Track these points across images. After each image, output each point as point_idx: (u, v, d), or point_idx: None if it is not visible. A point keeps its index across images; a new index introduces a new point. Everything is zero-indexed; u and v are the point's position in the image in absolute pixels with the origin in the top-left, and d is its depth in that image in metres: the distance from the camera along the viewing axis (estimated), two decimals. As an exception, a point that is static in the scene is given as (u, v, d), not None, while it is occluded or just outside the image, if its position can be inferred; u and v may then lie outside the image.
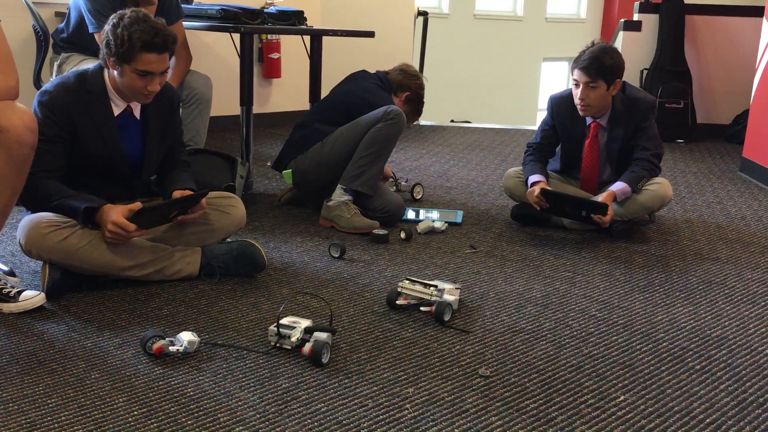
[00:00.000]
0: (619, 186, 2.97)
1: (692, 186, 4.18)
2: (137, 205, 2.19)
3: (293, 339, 1.89)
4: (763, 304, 2.42)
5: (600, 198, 2.94)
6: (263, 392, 1.71)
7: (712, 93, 5.96)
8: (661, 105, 5.67)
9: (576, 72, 3.00)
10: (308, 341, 1.89)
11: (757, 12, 4.98)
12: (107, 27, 2.22)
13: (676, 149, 5.38)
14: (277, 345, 1.92)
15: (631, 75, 5.89)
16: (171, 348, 1.84)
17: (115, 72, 2.24)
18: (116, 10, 2.29)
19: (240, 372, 1.80)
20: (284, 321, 1.94)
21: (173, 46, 2.25)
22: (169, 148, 2.50)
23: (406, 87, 3.31)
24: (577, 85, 3.02)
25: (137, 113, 2.38)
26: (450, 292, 2.22)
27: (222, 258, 2.40)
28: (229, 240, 2.52)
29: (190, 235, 2.41)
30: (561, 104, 3.19)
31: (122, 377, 1.75)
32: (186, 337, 1.86)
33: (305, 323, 1.94)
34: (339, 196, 3.05)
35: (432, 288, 2.22)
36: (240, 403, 1.66)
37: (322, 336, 1.89)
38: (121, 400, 1.65)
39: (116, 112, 2.33)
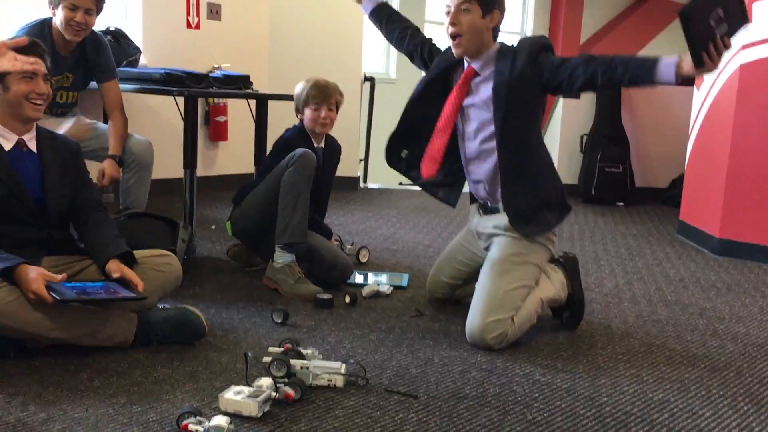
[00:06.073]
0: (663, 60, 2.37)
1: (632, 248, 4.27)
2: (60, 277, 2.14)
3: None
4: (702, 366, 2.45)
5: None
6: (197, 468, 1.63)
7: (649, 158, 6.18)
8: (601, 169, 5.85)
9: None
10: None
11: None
12: None
13: (616, 212, 5.52)
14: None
15: (571, 141, 6.07)
16: (198, 428, 1.74)
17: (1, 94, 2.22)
18: None
19: (173, 447, 1.72)
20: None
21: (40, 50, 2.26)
22: (80, 191, 2.45)
23: (304, 96, 3.22)
24: (448, 14, 2.55)
25: (33, 146, 2.35)
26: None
27: (159, 325, 2.32)
28: (167, 306, 2.45)
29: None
30: (448, 53, 2.72)
31: (45, 455, 1.65)
32: (216, 421, 1.75)
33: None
34: (280, 257, 3.02)
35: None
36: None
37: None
38: (42, 480, 1.55)
39: (7, 147, 2.29)
